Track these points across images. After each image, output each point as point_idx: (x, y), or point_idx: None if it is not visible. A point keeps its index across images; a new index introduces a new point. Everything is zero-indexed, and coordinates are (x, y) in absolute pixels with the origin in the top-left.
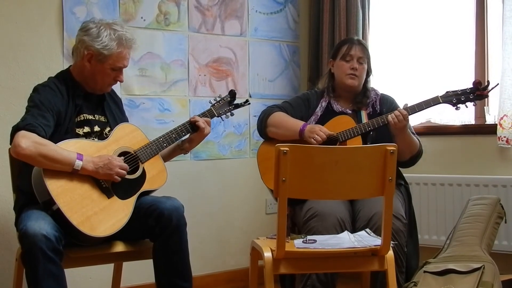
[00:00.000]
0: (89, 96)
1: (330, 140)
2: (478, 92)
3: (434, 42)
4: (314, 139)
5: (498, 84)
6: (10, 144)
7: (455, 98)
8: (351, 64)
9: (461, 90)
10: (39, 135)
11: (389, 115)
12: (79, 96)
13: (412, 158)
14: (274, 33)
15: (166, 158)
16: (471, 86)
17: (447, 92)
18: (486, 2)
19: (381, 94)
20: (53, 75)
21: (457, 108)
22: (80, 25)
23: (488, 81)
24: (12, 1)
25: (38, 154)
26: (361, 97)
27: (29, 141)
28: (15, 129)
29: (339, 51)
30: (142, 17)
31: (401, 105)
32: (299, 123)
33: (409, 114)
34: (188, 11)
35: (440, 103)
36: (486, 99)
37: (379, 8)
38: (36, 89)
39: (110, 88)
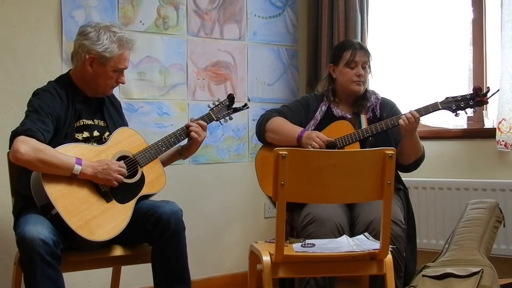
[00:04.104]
0: (89, 100)
1: (328, 146)
2: (478, 99)
3: (432, 45)
4: (311, 146)
5: (498, 90)
6: (9, 148)
7: (454, 105)
8: (356, 71)
9: (461, 96)
10: (38, 140)
11: (401, 118)
12: (79, 101)
13: (416, 161)
14: (272, 37)
15: (165, 163)
16: (471, 92)
17: (446, 98)
18: (485, 6)
19: (381, 98)
20: (52, 79)
21: (456, 115)
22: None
23: (488, 87)
24: (10, 5)
25: (37, 159)
26: (362, 100)
27: (28, 146)
28: (14, 134)
29: (341, 57)
30: (141, 21)
31: (402, 109)
32: (297, 130)
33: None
34: (186, 15)
35: (439, 109)
36: None
37: (378, 12)
38: (35, 94)
39: (112, 90)
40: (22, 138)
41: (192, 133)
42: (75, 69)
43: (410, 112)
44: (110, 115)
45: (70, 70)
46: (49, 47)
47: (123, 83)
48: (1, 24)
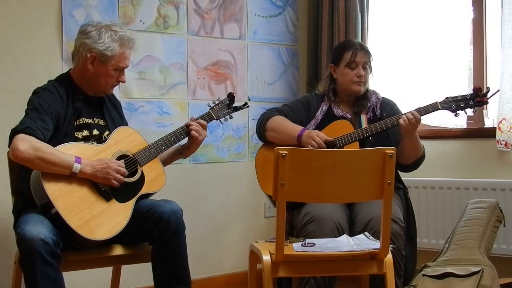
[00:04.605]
0: (89, 99)
1: (328, 145)
2: (478, 99)
3: (433, 45)
4: (311, 145)
5: (498, 90)
6: (9, 147)
7: (454, 105)
8: (357, 72)
9: (461, 96)
10: (37, 138)
11: (401, 117)
12: (79, 99)
13: (416, 161)
14: (273, 36)
15: (165, 162)
16: (471, 92)
17: (446, 98)
18: (485, 5)
19: (382, 98)
20: (52, 78)
21: (456, 115)
22: (79, 28)
23: (488, 88)
24: (11, 5)
25: (36, 157)
26: (362, 100)
27: (27, 144)
28: (14, 132)
29: (342, 58)
30: (141, 20)
31: (403, 109)
32: (297, 128)
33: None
34: (187, 14)
35: (439, 109)
36: None
37: (378, 11)
38: (36, 92)
39: (112, 89)
40: (21, 136)
41: (193, 132)
42: (75, 68)
43: (411, 112)
44: (110, 114)
45: (71, 69)
46: (50, 47)
47: (123, 82)
48: (1, 23)
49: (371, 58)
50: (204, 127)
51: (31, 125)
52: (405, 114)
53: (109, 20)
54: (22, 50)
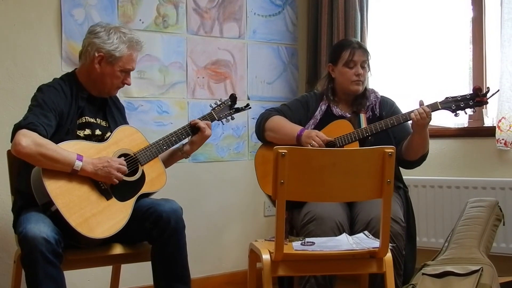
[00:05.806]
0: (92, 99)
1: (328, 145)
2: (478, 99)
3: (432, 44)
4: (311, 145)
5: (498, 90)
6: (11, 142)
7: (454, 105)
8: (355, 70)
9: (461, 96)
10: (40, 134)
11: (412, 112)
12: (83, 98)
13: (422, 156)
14: (272, 35)
15: (166, 163)
16: (471, 92)
17: (446, 98)
18: (484, 4)
19: (381, 97)
20: (51, 77)
21: (456, 115)
22: (79, 27)
23: (488, 88)
24: (10, 4)
25: (38, 153)
26: (361, 99)
27: (29, 140)
28: (17, 128)
29: (340, 57)
30: (140, 20)
31: (402, 108)
32: (297, 128)
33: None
34: (186, 14)
35: (439, 109)
36: None
37: (377, 10)
38: (40, 89)
39: (117, 91)
40: (24, 131)
41: (200, 123)
42: (81, 67)
43: (422, 107)
44: (113, 116)
45: (76, 68)
46: (49, 46)
47: (129, 84)
48: (0, 22)
49: (369, 57)
50: (209, 127)
51: (34, 121)
52: (416, 109)
53: (109, 19)
54: (21, 49)
